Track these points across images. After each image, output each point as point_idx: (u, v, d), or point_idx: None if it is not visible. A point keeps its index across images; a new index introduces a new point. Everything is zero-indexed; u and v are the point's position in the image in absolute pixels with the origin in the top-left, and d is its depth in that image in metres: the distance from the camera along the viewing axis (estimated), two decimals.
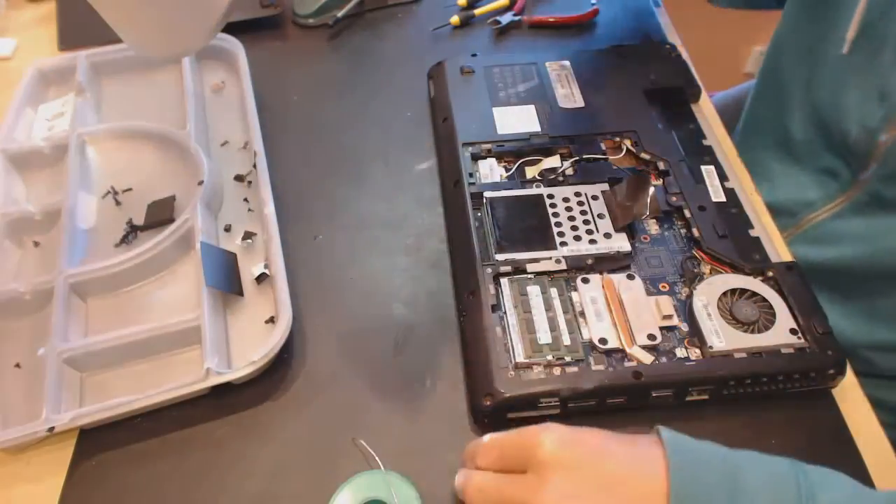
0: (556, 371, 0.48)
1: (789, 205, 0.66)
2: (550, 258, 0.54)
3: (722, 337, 0.48)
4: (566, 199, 0.58)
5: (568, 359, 0.48)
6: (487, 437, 0.42)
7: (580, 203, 0.58)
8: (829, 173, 0.64)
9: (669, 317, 0.50)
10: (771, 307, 0.50)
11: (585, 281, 0.53)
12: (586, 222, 0.56)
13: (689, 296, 0.51)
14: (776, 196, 0.66)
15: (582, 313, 0.51)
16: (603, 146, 0.63)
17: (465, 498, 0.41)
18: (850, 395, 0.50)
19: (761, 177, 0.66)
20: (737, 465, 0.36)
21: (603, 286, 0.52)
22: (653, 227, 0.57)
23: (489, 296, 0.52)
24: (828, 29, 0.60)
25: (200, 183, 0.62)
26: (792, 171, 0.68)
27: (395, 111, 0.73)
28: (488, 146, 0.63)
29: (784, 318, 0.49)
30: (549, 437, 0.38)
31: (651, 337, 0.49)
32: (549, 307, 0.51)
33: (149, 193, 0.65)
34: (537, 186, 0.60)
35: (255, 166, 0.64)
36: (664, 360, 0.48)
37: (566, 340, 0.49)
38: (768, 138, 0.69)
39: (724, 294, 0.51)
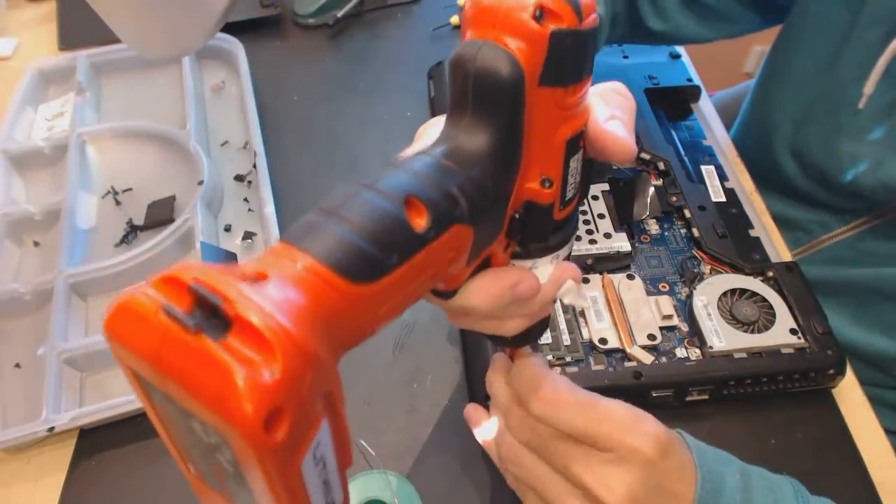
0: (557, 371, 0.48)
1: (801, 222, 0.64)
2: None
3: (722, 337, 0.48)
4: None
5: (568, 359, 0.48)
6: (565, 391, 0.35)
7: (580, 203, 0.58)
8: (839, 207, 0.61)
9: (669, 317, 0.50)
10: (771, 307, 0.50)
11: (585, 281, 0.52)
12: (586, 222, 0.56)
13: (689, 296, 0.51)
14: (780, 209, 0.63)
15: (582, 313, 0.51)
16: None
17: (502, 451, 0.38)
18: (850, 395, 0.50)
19: (766, 185, 0.64)
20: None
21: (603, 286, 0.52)
22: (653, 227, 0.57)
23: None
24: (831, 79, 0.56)
25: (200, 183, 0.62)
26: (793, 198, 0.64)
27: (395, 111, 0.73)
28: None
29: (784, 318, 0.49)
30: (656, 436, 0.34)
31: (651, 337, 0.49)
32: None
33: (149, 193, 0.65)
34: None
35: (255, 166, 0.64)
36: (664, 360, 0.48)
37: (566, 340, 0.49)
38: (759, 173, 0.65)
39: (724, 294, 0.51)
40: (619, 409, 0.35)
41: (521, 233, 0.31)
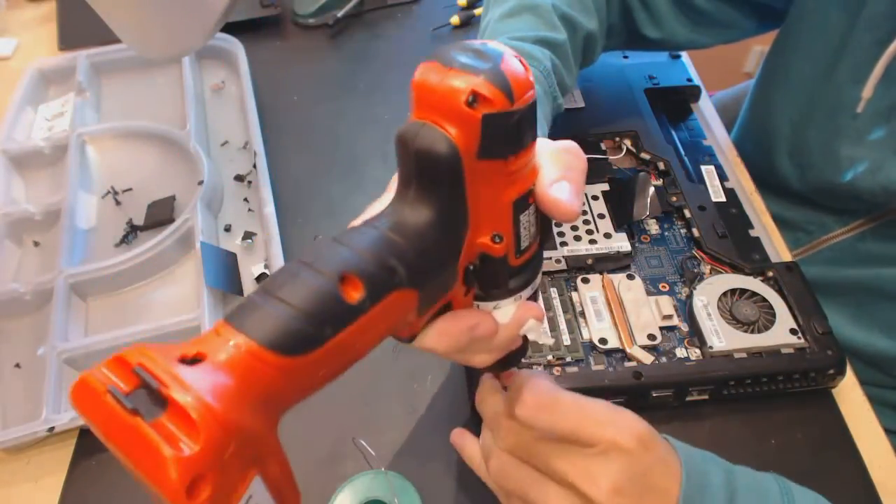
0: (556, 371, 0.48)
1: (801, 223, 0.64)
2: (550, 258, 0.54)
3: (722, 337, 0.48)
4: None
5: (568, 359, 0.48)
6: (546, 393, 0.36)
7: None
8: (839, 209, 0.61)
9: (669, 317, 0.50)
10: (771, 307, 0.50)
11: (585, 281, 0.52)
12: (586, 222, 0.56)
13: (689, 296, 0.51)
14: (780, 210, 0.63)
15: (582, 313, 0.51)
16: (603, 146, 0.63)
17: (491, 466, 0.38)
18: (850, 395, 0.50)
19: (766, 188, 0.64)
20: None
21: (603, 286, 0.52)
22: (653, 227, 0.57)
23: None
24: (829, 82, 0.56)
25: (200, 183, 0.62)
26: (793, 200, 0.64)
27: (394, 111, 0.73)
28: None
29: (784, 318, 0.49)
30: (636, 430, 0.35)
31: (651, 337, 0.49)
32: (549, 307, 0.51)
33: (149, 193, 0.65)
34: None
35: (255, 166, 0.64)
36: (664, 360, 0.48)
37: (566, 340, 0.49)
38: (759, 176, 0.65)
39: (724, 294, 0.51)
40: (599, 407, 0.36)
41: (477, 281, 0.32)
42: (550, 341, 0.42)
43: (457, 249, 0.30)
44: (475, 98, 0.27)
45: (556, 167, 0.32)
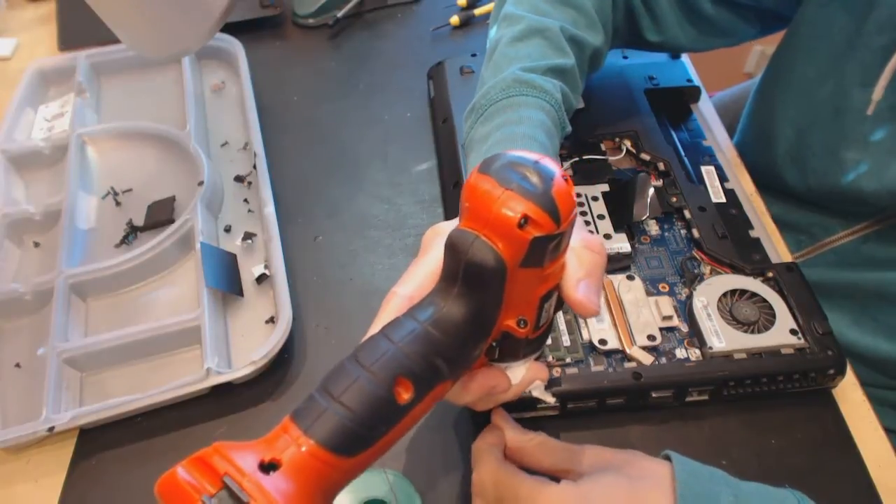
0: (556, 372, 0.48)
1: (804, 226, 0.64)
2: None
3: (722, 337, 0.48)
4: None
5: (568, 359, 0.48)
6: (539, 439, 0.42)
7: (580, 204, 0.58)
8: (843, 211, 0.61)
9: (669, 317, 0.50)
10: (771, 307, 0.50)
11: None
12: (586, 223, 0.56)
13: (689, 296, 0.51)
14: (782, 212, 0.63)
15: None
16: (603, 146, 0.63)
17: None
18: (850, 395, 0.50)
19: (768, 191, 0.64)
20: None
21: (603, 287, 0.52)
22: (653, 228, 0.57)
23: None
24: (835, 85, 0.56)
25: (200, 183, 0.62)
26: (796, 203, 0.64)
27: (395, 111, 0.73)
28: None
29: (784, 319, 0.49)
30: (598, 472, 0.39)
31: (651, 337, 0.49)
32: None
33: (149, 194, 0.65)
34: None
35: (255, 166, 0.64)
36: (664, 360, 0.48)
37: (566, 341, 0.49)
38: (761, 180, 0.65)
39: (724, 294, 0.51)
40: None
41: (496, 352, 0.36)
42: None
43: (487, 335, 0.34)
44: (526, 221, 0.30)
45: (581, 266, 0.35)
